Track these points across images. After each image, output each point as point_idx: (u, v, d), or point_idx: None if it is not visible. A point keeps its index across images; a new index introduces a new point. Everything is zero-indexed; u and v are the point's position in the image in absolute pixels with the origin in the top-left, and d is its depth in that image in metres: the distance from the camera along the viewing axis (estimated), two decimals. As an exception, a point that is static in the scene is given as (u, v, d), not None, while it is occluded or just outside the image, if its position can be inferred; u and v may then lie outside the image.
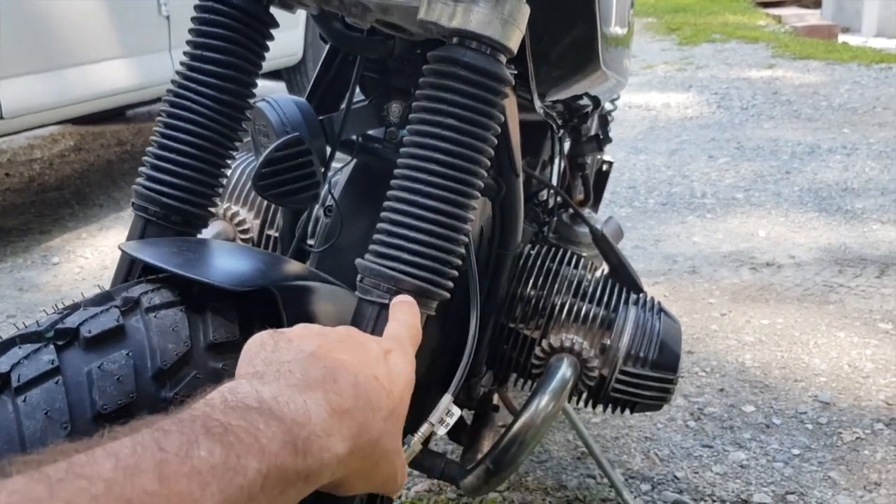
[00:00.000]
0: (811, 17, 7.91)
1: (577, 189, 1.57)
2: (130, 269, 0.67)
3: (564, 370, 1.03)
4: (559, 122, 1.28)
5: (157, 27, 3.27)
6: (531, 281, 1.09)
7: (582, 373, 1.06)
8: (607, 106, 1.61)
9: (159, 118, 0.72)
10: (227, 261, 0.65)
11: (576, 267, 1.13)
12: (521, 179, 0.95)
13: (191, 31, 0.72)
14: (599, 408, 1.12)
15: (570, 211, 1.44)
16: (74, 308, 0.54)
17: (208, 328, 0.56)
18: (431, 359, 0.99)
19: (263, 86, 0.78)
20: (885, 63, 5.49)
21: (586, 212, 1.48)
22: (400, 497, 1.45)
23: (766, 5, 8.70)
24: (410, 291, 0.64)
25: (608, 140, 1.59)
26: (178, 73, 0.72)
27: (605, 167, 1.77)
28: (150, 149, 0.72)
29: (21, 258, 2.73)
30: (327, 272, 0.73)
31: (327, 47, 0.93)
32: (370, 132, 0.93)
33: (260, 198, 1.12)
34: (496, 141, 0.67)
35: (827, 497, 1.46)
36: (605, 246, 1.21)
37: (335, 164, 0.96)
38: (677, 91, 5.08)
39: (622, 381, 1.06)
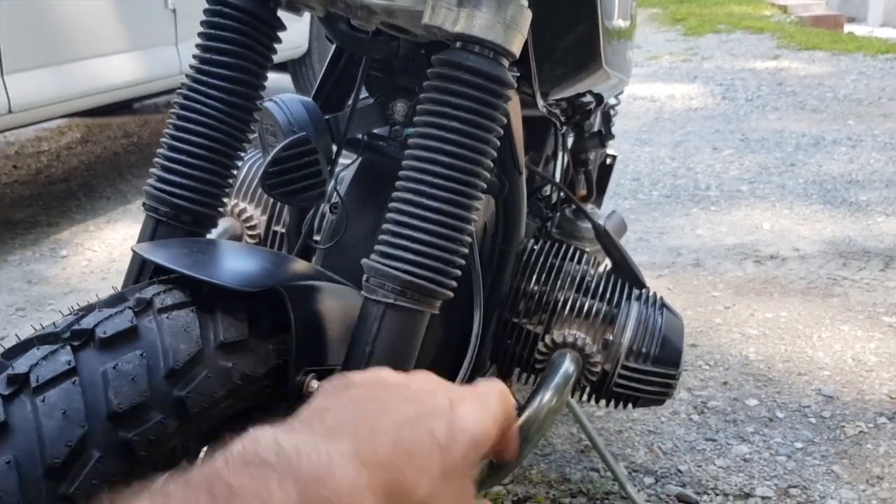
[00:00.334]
0: (817, 6, 7.86)
1: (579, 184, 1.58)
2: (142, 269, 0.69)
3: (567, 365, 1.04)
4: (562, 118, 1.29)
5: (163, 21, 3.28)
6: (534, 276, 1.10)
7: (585, 368, 1.07)
8: (610, 101, 1.62)
9: (169, 120, 0.74)
10: (235, 261, 0.66)
11: (578, 262, 1.14)
12: (524, 177, 0.96)
13: (200, 34, 0.73)
14: (602, 402, 1.13)
15: (573, 206, 1.45)
16: (89, 309, 0.56)
17: (218, 328, 0.57)
18: (435, 353, 1.01)
19: (269, 78, 0.79)
20: (891, 53, 5.46)
21: (589, 207, 1.49)
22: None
23: (772, -5, 8.66)
24: (415, 291, 0.65)
25: (611, 136, 1.59)
26: (187, 75, 0.73)
27: (608, 161, 1.78)
28: (160, 150, 0.73)
29: (30, 251, 2.76)
30: (332, 268, 0.75)
31: (333, 47, 0.95)
32: (375, 130, 0.95)
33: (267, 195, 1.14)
34: (499, 142, 0.68)
35: (829, 491, 1.48)
36: (607, 241, 1.22)
37: (341, 162, 0.97)
38: (682, 82, 5.07)
39: (624, 376, 1.07)
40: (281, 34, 0.77)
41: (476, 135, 0.65)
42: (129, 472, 0.50)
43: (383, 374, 0.45)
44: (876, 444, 1.61)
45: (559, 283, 1.10)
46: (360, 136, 0.94)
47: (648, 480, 1.52)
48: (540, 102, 0.95)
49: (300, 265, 0.73)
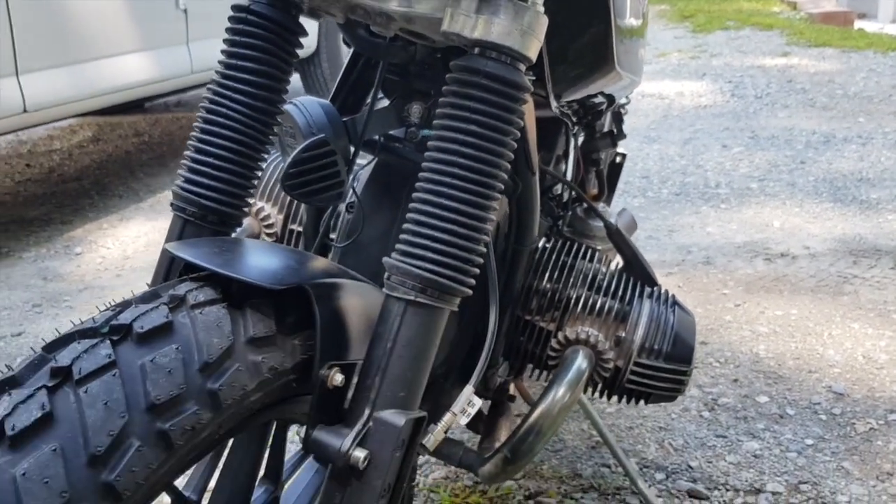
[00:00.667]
0: (827, 3, 7.83)
1: (591, 183, 1.59)
2: (170, 267, 0.72)
3: (580, 362, 1.06)
4: (574, 119, 1.31)
5: (174, 21, 3.32)
6: (547, 274, 1.12)
7: (597, 364, 1.09)
8: (621, 100, 1.63)
9: (196, 123, 0.76)
10: (262, 259, 0.69)
11: (590, 260, 1.16)
12: (537, 177, 0.98)
13: (225, 40, 0.75)
14: (614, 399, 1.15)
15: (585, 205, 1.46)
16: (126, 305, 0.58)
17: (248, 324, 0.60)
18: (449, 350, 1.03)
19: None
20: (902, 50, 5.44)
21: (600, 206, 1.50)
22: (418, 484, 1.49)
23: (781, -9, 8.63)
24: (435, 288, 0.67)
25: (622, 136, 1.61)
26: (212, 80, 0.76)
27: (618, 159, 1.79)
28: (187, 152, 0.76)
29: (44, 248, 2.79)
30: (349, 266, 0.77)
31: (350, 51, 0.97)
32: (391, 132, 0.97)
33: (283, 194, 1.16)
34: (515, 145, 0.70)
35: (840, 486, 1.49)
36: (619, 240, 1.23)
37: (358, 162, 0.99)
38: (691, 79, 5.07)
39: (636, 372, 1.09)
40: (302, 39, 0.80)
41: (494, 138, 0.68)
42: (164, 461, 0.52)
43: None
44: (886, 440, 1.62)
45: (571, 280, 1.12)
46: (376, 137, 0.96)
47: (659, 476, 1.53)
48: (553, 104, 0.97)
49: (323, 263, 0.75)
